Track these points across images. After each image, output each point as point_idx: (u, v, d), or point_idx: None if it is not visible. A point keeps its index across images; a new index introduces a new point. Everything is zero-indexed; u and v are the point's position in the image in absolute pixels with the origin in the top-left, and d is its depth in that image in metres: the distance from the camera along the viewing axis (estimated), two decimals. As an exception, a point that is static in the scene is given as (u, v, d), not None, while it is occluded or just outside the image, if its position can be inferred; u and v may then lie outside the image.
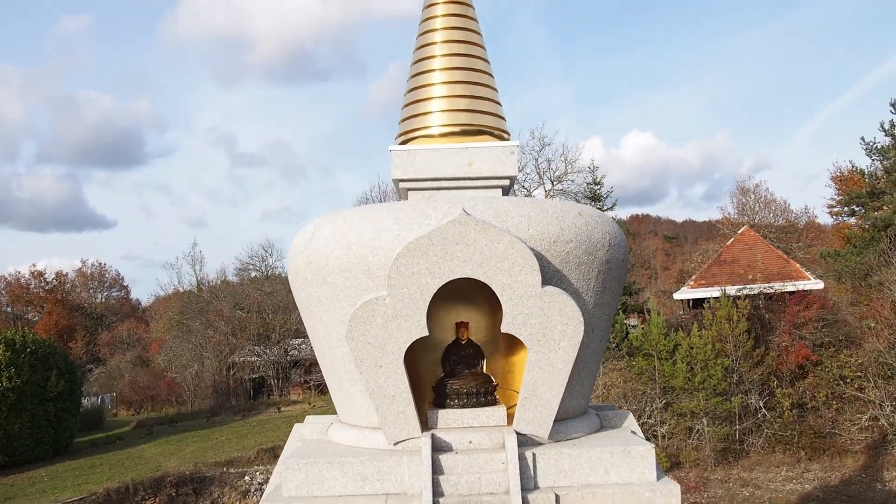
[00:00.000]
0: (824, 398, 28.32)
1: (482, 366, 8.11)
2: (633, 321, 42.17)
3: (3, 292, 69.97)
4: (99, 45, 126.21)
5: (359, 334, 7.19)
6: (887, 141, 33.14)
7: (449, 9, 9.03)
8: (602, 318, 8.03)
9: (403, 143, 8.92)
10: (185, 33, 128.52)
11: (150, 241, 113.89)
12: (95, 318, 68.74)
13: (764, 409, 28.07)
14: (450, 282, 7.25)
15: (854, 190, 36.91)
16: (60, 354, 36.12)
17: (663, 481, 7.33)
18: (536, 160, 43.89)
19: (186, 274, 59.01)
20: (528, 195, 40.82)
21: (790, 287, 31.76)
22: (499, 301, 7.26)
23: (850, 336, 29.76)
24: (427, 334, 7.24)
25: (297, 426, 8.89)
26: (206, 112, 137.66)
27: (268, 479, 19.41)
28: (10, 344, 32.72)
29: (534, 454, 7.28)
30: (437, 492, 7.02)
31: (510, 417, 7.66)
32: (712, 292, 32.46)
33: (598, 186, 42.57)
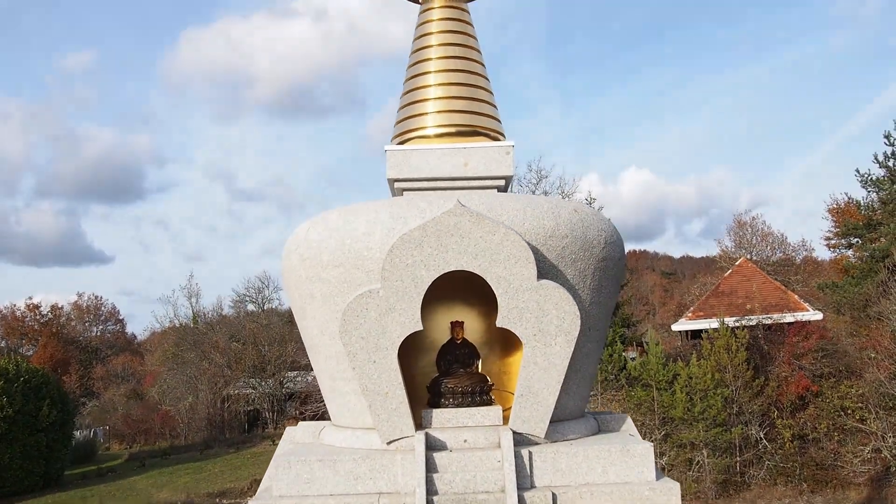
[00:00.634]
0: (825, 429, 27.99)
1: (477, 365, 7.99)
2: (631, 353, 41.90)
3: (-3, 325, 69.59)
4: (100, 81, 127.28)
5: (352, 328, 7.08)
6: (882, 172, 33.26)
7: (445, 13, 9.10)
8: (599, 318, 7.93)
9: (399, 143, 8.91)
10: (185, 69, 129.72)
11: (147, 277, 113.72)
12: (90, 352, 68.22)
13: (765, 440, 27.75)
14: (445, 282, 7.17)
15: (851, 221, 36.93)
16: (53, 384, 35.71)
17: (663, 480, 7.17)
18: (533, 192, 43.99)
19: (182, 306, 58.59)
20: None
21: (789, 318, 31.60)
22: (494, 303, 7.17)
23: (850, 367, 29.53)
24: (421, 328, 7.13)
25: (289, 429, 8.74)
26: (206, 147, 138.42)
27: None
28: (3, 373, 32.38)
29: (530, 452, 7.13)
30: (430, 490, 6.86)
31: (506, 419, 7.52)
32: (710, 323, 32.27)
33: (596, 219, 42.50)
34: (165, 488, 30.60)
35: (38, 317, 69.71)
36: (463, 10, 9.21)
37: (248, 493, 28.58)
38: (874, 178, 33.64)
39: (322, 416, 24.95)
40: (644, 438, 29.79)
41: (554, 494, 6.89)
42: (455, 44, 8.96)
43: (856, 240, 36.84)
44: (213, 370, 46.74)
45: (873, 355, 29.02)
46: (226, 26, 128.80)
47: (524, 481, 7.00)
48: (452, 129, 8.67)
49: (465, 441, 7.28)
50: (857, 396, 28.76)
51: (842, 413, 28.59)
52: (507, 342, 8.04)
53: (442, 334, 8.06)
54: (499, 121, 9.00)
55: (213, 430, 44.88)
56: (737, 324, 31.05)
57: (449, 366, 7.89)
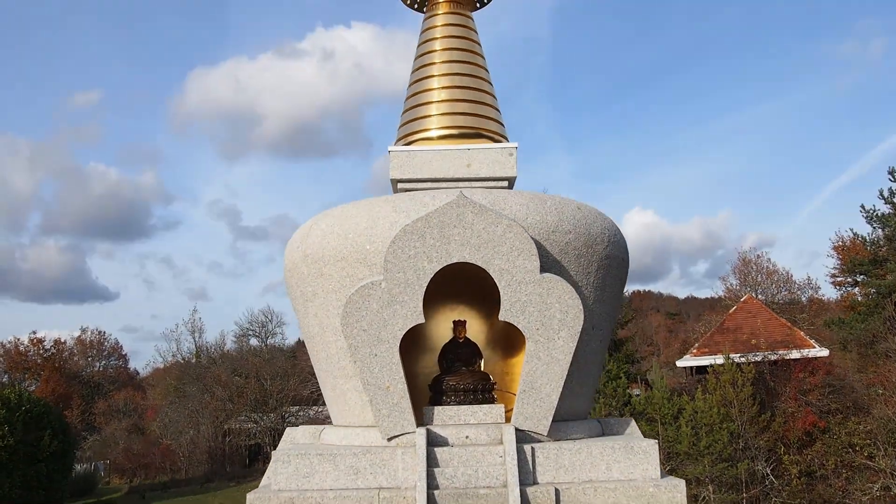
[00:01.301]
0: (833, 466, 27.58)
1: (479, 364, 7.94)
2: (636, 390, 41.55)
3: (0, 359, 69.33)
4: (107, 119, 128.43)
5: (353, 320, 7.05)
6: (888, 209, 33.27)
7: (449, 18, 9.24)
8: (603, 316, 7.88)
9: (404, 145, 8.97)
10: (192, 108, 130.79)
11: (150, 314, 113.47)
12: (92, 387, 67.83)
13: (772, 476, 27.34)
14: (448, 283, 7.16)
15: (856, 258, 36.81)
16: (55, 414, 35.48)
17: (668, 478, 7.06)
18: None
19: (185, 342, 58.41)
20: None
21: (795, 354, 31.36)
22: (497, 304, 7.14)
23: (857, 403, 29.21)
24: (423, 321, 7.10)
25: (289, 430, 8.65)
26: (211, 185, 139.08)
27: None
28: (4, 402, 32.20)
29: (533, 448, 7.04)
30: (431, 484, 6.76)
31: (508, 419, 7.44)
32: (715, 360, 32.00)
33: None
34: (164, 520, 30.18)
35: (41, 351, 69.51)
36: (467, 16, 9.37)
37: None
38: (879, 214, 33.65)
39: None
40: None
41: (557, 490, 6.78)
42: (458, 48, 9.09)
43: (861, 276, 36.70)
44: (215, 404, 46.38)
45: (881, 391, 28.72)
46: (233, 66, 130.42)
47: (527, 477, 6.89)
48: (455, 131, 8.75)
49: (467, 437, 7.20)
50: (864, 433, 28.38)
51: (850, 450, 28.18)
52: (510, 344, 8.00)
53: (444, 335, 8.03)
54: (502, 124, 9.08)
55: (214, 463, 44.43)
56: (742, 359, 30.82)
57: (451, 364, 7.84)
